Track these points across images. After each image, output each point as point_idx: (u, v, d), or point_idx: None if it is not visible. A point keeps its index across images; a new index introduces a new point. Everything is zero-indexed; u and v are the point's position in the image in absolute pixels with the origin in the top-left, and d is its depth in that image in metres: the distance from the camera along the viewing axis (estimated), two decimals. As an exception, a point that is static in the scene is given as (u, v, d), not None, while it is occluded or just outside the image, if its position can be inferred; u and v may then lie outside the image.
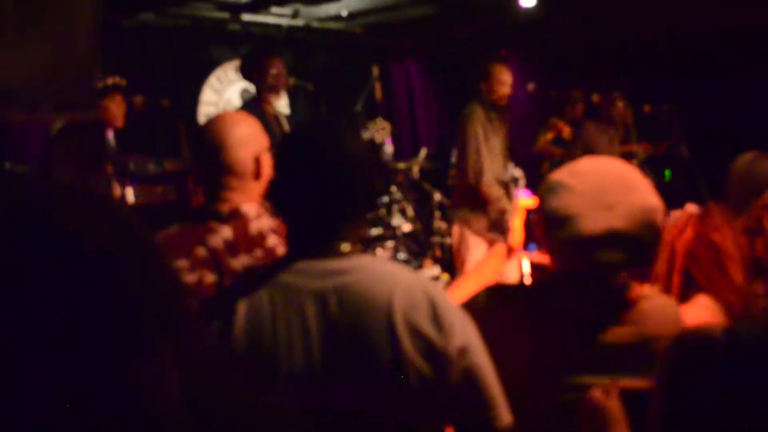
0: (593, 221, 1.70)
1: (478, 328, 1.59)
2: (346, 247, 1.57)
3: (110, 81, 4.21)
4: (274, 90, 4.90)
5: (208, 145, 2.09)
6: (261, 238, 2.01)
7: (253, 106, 4.89)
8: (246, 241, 2.00)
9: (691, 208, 2.95)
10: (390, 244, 6.25)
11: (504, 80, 5.29)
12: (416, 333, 1.48)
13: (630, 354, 1.73)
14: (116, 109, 4.33)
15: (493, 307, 1.82)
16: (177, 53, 6.67)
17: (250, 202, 2.07)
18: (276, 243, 2.01)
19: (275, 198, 1.65)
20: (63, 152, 4.09)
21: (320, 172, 1.56)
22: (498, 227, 5.05)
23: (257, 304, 1.51)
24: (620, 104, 6.58)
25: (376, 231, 6.19)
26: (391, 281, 1.53)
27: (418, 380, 1.47)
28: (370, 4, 6.72)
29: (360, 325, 1.48)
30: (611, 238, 1.70)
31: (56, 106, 2.56)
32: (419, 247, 7.02)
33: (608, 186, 1.74)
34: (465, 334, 1.53)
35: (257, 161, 2.09)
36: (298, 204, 1.59)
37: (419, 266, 6.33)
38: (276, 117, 4.96)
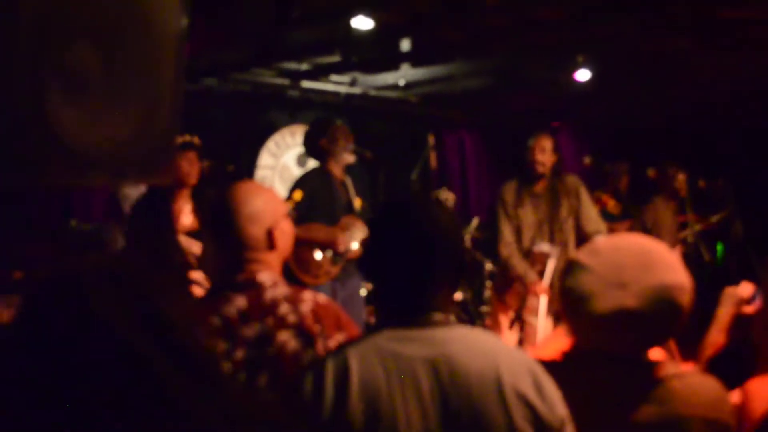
0: (605, 300, 1.70)
1: None
2: (439, 316, 1.61)
3: (180, 139, 4.29)
4: (343, 158, 4.95)
5: (219, 220, 2.14)
6: (274, 306, 2.04)
7: (321, 172, 4.96)
8: (259, 309, 2.03)
9: (748, 287, 2.90)
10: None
11: (542, 147, 5.10)
12: (524, 402, 1.53)
13: None
14: (188, 166, 4.39)
15: None
16: (237, 117, 6.81)
17: (267, 271, 2.12)
18: (287, 311, 2.04)
19: (369, 268, 1.69)
20: (144, 217, 4.16)
21: (415, 244, 1.62)
22: (523, 304, 4.90)
23: (370, 372, 1.54)
24: (681, 177, 6.56)
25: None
26: (493, 352, 1.57)
27: None
28: (426, 75, 6.83)
29: (472, 394, 1.52)
30: (622, 317, 1.69)
31: (137, 174, 2.59)
32: (469, 317, 6.99)
33: (625, 264, 1.73)
34: (563, 406, 1.57)
35: (270, 234, 2.12)
36: (392, 274, 1.64)
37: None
38: (343, 183, 5.01)
